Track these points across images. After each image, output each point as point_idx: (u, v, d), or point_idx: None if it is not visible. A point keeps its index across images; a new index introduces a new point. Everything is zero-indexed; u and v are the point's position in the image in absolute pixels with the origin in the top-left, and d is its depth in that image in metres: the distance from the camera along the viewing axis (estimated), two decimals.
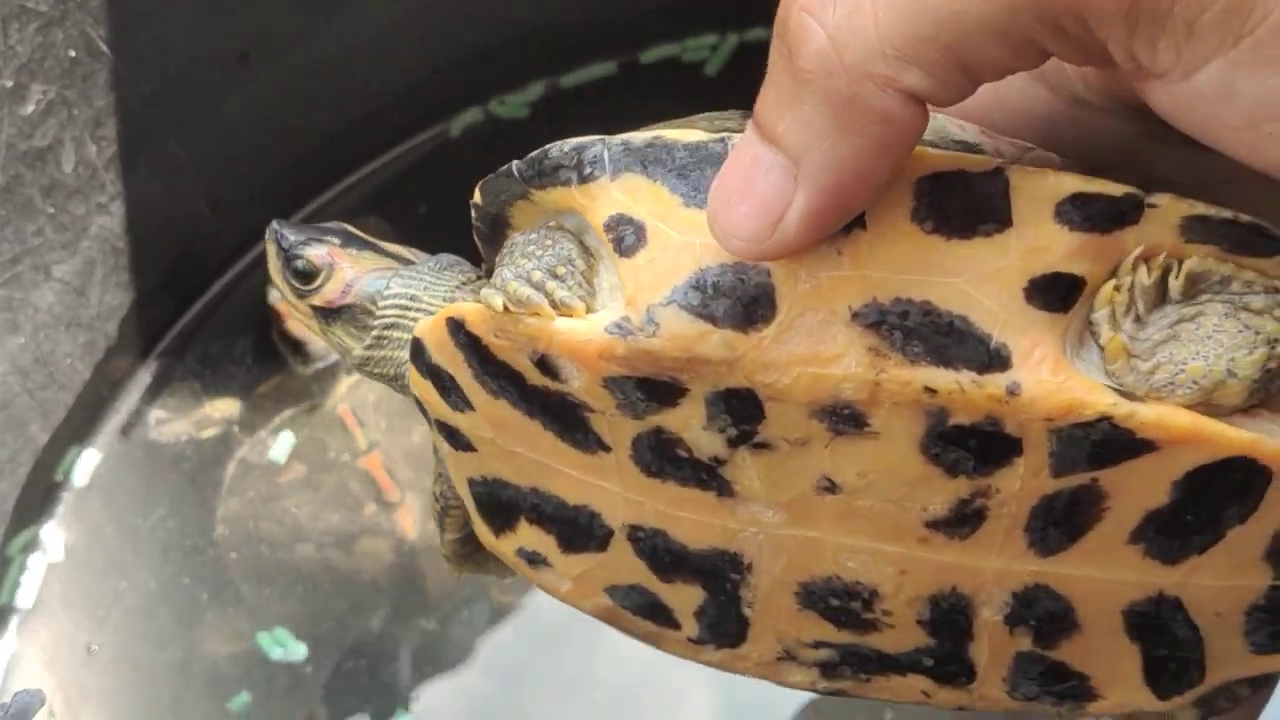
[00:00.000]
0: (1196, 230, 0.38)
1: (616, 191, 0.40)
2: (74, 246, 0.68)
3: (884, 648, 0.43)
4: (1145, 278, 0.38)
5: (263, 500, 0.71)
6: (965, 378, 0.38)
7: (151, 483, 0.72)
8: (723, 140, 0.39)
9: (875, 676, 0.44)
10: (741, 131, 0.39)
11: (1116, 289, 0.38)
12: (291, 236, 0.48)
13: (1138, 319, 0.38)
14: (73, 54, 0.64)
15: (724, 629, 0.44)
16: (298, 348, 0.74)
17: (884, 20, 0.35)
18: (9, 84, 0.62)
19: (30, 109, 0.63)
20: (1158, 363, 0.38)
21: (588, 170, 0.40)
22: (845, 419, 0.39)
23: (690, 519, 0.42)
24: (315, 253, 0.47)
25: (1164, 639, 0.40)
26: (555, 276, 0.41)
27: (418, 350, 0.43)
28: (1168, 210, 0.38)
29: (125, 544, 0.70)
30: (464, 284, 0.46)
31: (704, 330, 0.39)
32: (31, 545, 0.70)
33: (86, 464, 0.72)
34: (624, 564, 0.44)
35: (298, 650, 0.67)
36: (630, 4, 0.78)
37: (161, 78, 0.69)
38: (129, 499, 0.72)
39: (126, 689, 0.67)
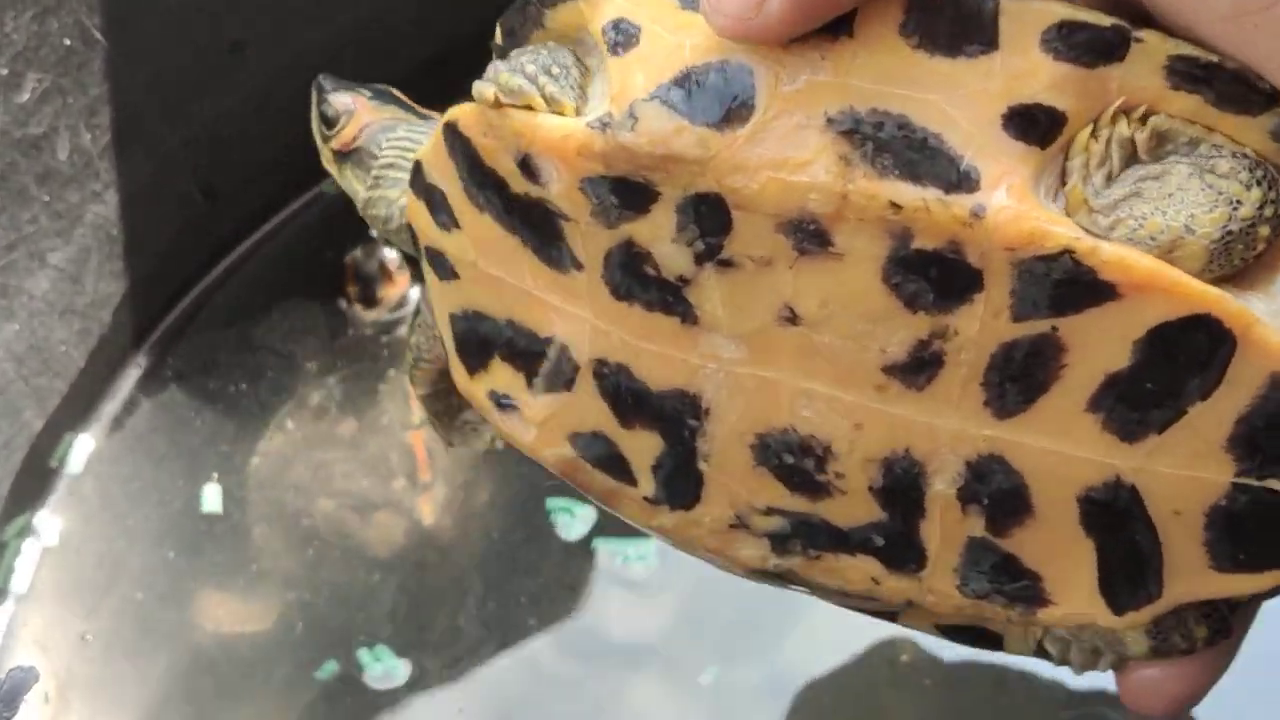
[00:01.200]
0: (1182, 74, 0.37)
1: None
2: (69, 234, 0.68)
3: (835, 519, 0.42)
4: (1125, 129, 0.38)
5: (299, 447, 0.72)
6: (931, 195, 0.37)
7: (146, 469, 0.72)
8: None
9: (825, 554, 0.43)
10: None
11: (1094, 138, 0.38)
12: (328, 85, 0.52)
13: (1109, 175, 0.38)
14: (68, 42, 0.64)
15: (679, 486, 0.44)
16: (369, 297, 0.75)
17: None
18: (4, 72, 0.62)
19: (25, 97, 0.64)
20: (1118, 217, 0.38)
21: None
22: (810, 235, 0.39)
23: (653, 351, 0.42)
24: (340, 99, 0.51)
25: (1120, 538, 0.40)
26: (549, 75, 0.41)
27: (417, 172, 0.46)
28: (1154, 49, 0.37)
29: (119, 531, 0.70)
30: None
31: (680, 126, 0.39)
32: (25, 531, 0.70)
33: (81, 450, 0.72)
34: (588, 406, 0.44)
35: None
36: None
37: (155, 66, 0.69)
38: (123, 486, 0.72)
39: (118, 675, 0.68)
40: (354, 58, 0.75)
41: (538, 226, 0.43)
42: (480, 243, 0.44)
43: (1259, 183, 0.37)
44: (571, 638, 0.66)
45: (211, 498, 0.71)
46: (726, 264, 0.40)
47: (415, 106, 0.52)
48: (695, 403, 0.42)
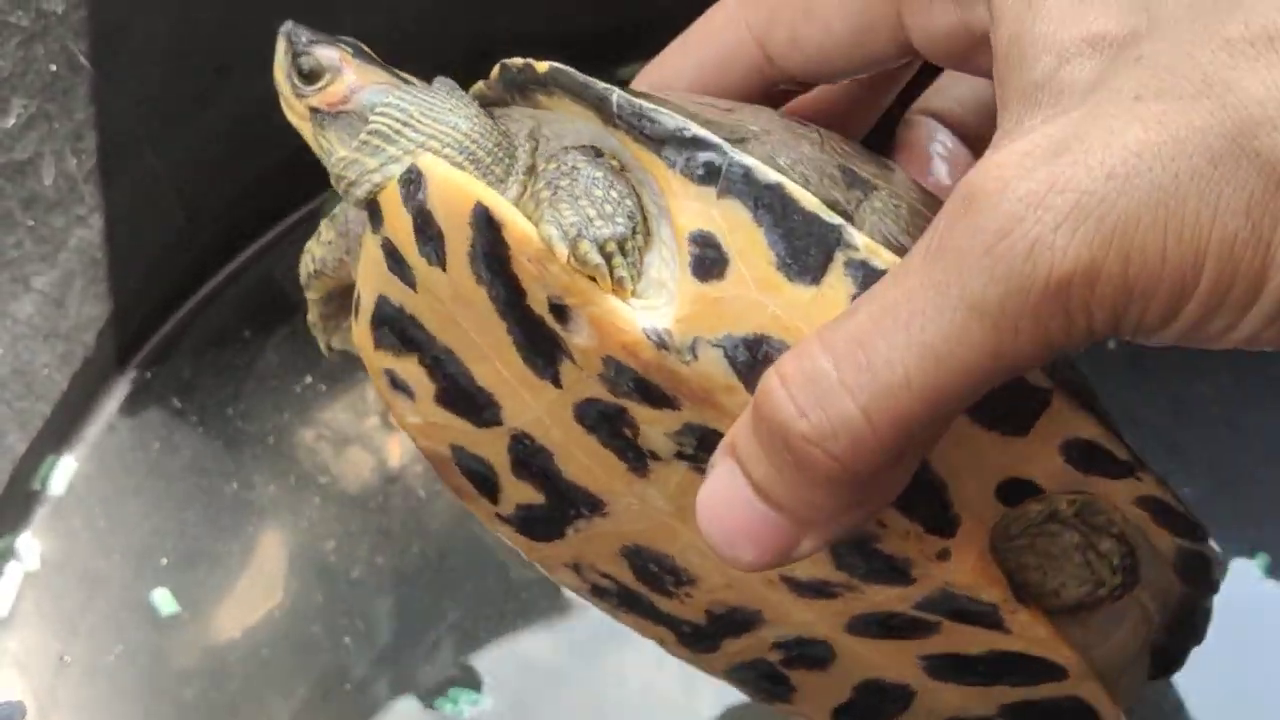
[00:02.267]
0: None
1: (716, 211, 0.39)
2: (53, 259, 0.68)
3: (662, 608, 0.46)
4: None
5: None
6: (914, 526, 0.42)
7: (128, 493, 0.72)
8: (838, 231, 0.38)
9: (634, 615, 0.47)
10: (823, 149, 0.42)
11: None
12: (304, 36, 0.49)
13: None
14: (53, 68, 0.64)
15: (539, 529, 0.46)
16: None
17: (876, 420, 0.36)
18: None
19: (11, 122, 0.63)
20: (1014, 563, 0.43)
21: (697, 171, 0.39)
22: None
23: (586, 465, 0.43)
24: (325, 53, 0.48)
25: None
26: (622, 251, 0.40)
27: (413, 182, 0.43)
28: None
29: (101, 554, 0.70)
30: (465, 118, 0.46)
31: (733, 386, 0.39)
32: (7, 554, 0.70)
33: (63, 474, 0.72)
34: (489, 444, 0.44)
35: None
36: (612, 18, 0.78)
37: (141, 91, 0.69)
38: (105, 509, 0.72)
39: (98, 699, 0.67)
40: None
41: (536, 340, 0.42)
42: (460, 298, 0.43)
43: (1123, 570, 0.44)
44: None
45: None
46: (700, 470, 0.40)
47: (394, 70, 0.50)
48: (598, 504, 0.44)
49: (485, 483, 0.46)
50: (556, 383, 0.42)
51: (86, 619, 0.69)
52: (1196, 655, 0.51)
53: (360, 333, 0.46)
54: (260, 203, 0.77)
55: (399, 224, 0.43)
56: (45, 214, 0.67)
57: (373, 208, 0.44)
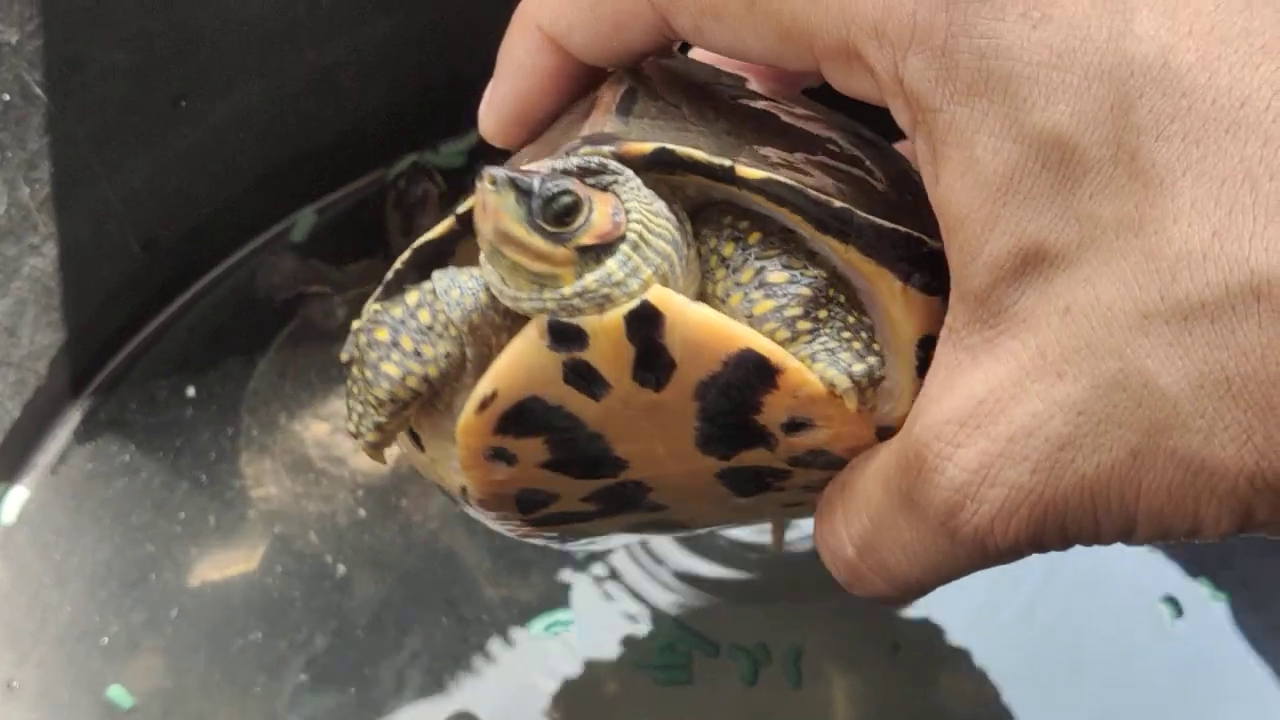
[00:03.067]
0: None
1: (937, 317, 0.42)
2: (5, 287, 0.68)
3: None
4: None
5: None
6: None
7: (80, 521, 0.72)
8: None
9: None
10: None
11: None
12: (539, 177, 0.41)
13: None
14: (7, 98, 0.65)
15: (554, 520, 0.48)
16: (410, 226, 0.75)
17: None
18: None
19: None
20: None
21: (929, 284, 0.42)
22: None
23: (680, 494, 0.47)
24: (575, 185, 0.41)
25: None
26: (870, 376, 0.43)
27: (647, 319, 0.41)
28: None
29: (52, 583, 0.70)
30: (662, 207, 0.43)
31: None
32: None
33: (14, 502, 0.72)
34: (577, 486, 0.46)
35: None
36: None
37: (96, 120, 0.69)
38: (57, 537, 0.72)
39: None
40: (296, 115, 0.76)
41: (733, 437, 0.44)
42: (660, 409, 0.43)
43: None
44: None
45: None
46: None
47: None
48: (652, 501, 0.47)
49: (532, 504, 0.46)
50: (726, 459, 0.44)
51: (37, 648, 0.69)
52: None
53: (475, 422, 0.43)
54: (215, 234, 0.77)
55: (612, 352, 0.41)
56: None
57: (568, 331, 0.41)
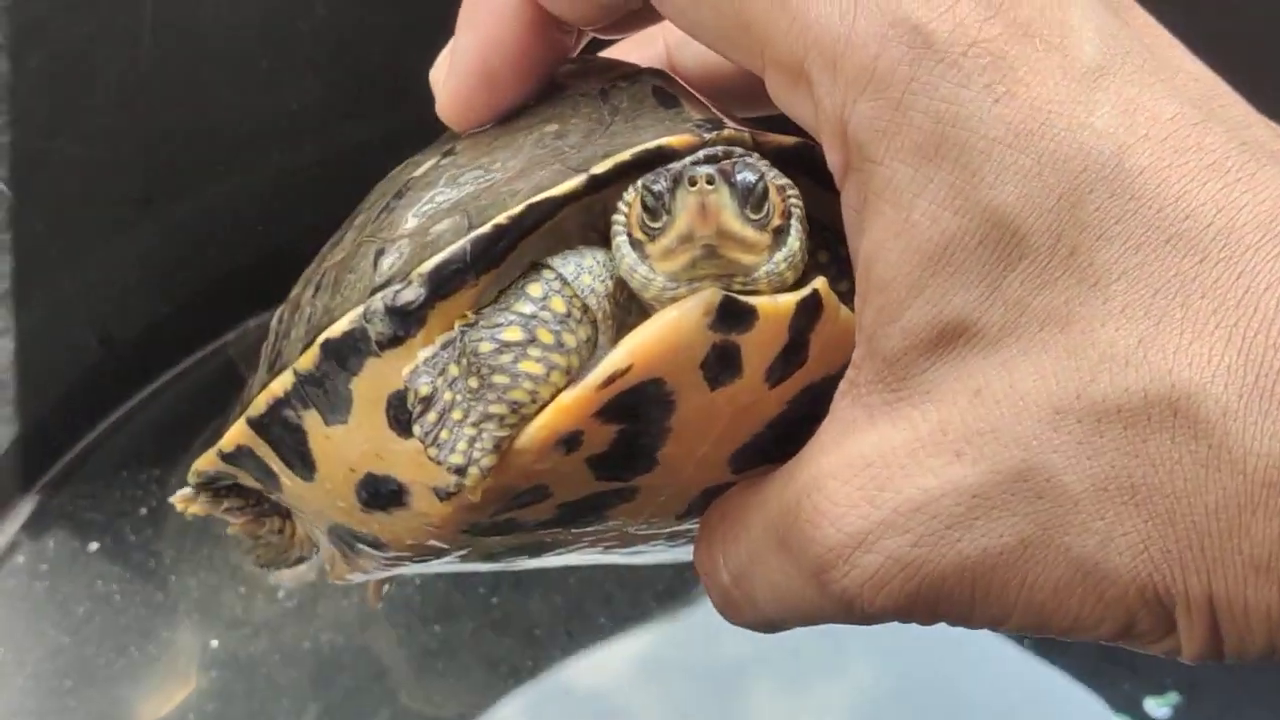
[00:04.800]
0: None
1: None
2: None
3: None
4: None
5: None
6: None
7: (26, 615, 0.71)
8: None
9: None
10: None
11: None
12: (739, 169, 0.40)
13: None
14: None
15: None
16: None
17: None
18: None
19: None
20: None
21: None
22: None
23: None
24: (759, 168, 0.40)
25: None
26: None
27: (811, 305, 0.40)
28: None
29: None
30: None
31: None
32: None
33: None
34: (585, 484, 0.44)
35: None
36: None
37: (59, 216, 0.69)
38: (2, 632, 0.71)
39: None
40: (262, 217, 0.76)
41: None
42: (761, 399, 0.42)
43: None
44: None
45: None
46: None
47: None
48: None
49: (520, 502, 0.44)
50: (737, 474, 0.43)
51: None
52: None
53: (587, 399, 0.41)
54: (175, 332, 0.77)
55: (769, 338, 0.41)
56: None
57: (741, 311, 0.40)
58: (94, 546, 0.73)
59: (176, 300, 0.76)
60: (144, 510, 0.74)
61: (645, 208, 0.40)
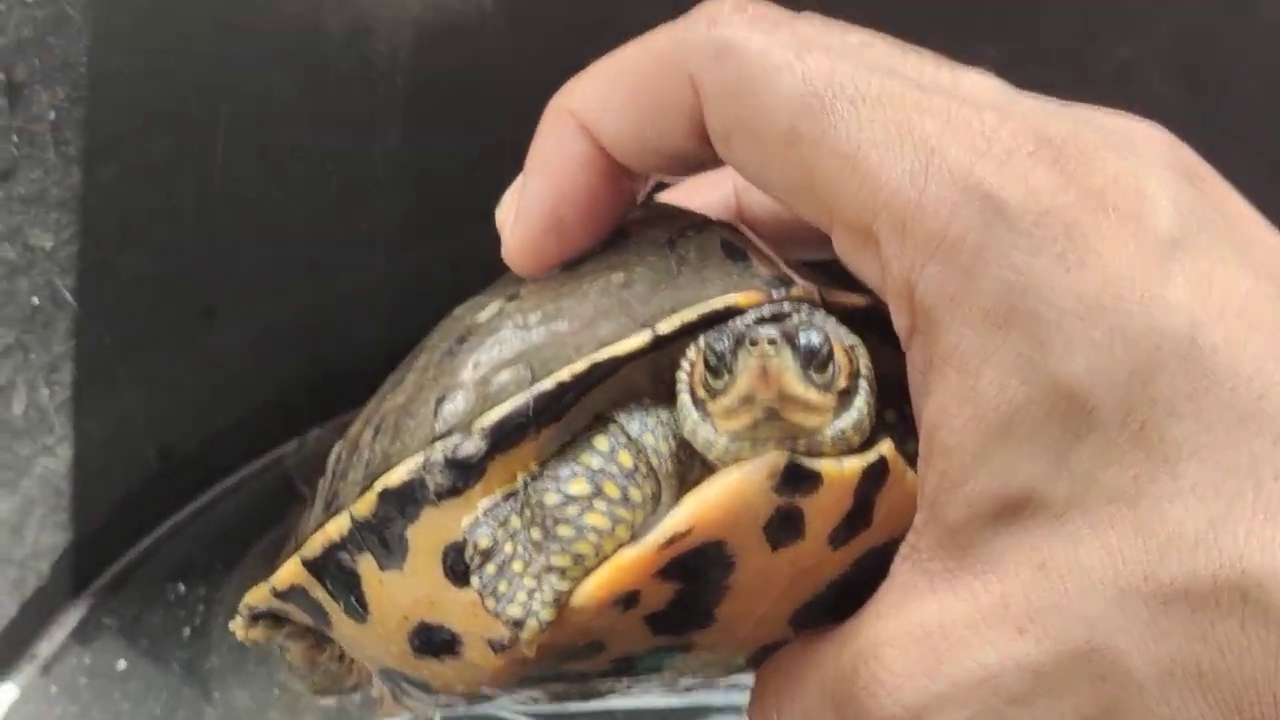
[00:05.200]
0: None
1: None
2: (14, 485, 0.68)
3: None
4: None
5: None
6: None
7: None
8: None
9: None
10: None
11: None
12: (803, 330, 0.39)
13: None
14: (35, 301, 0.65)
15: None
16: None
17: None
18: None
19: None
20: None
21: None
22: None
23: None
24: (824, 329, 0.40)
25: None
26: None
27: (877, 471, 0.40)
28: None
29: None
30: None
31: None
32: None
33: (3, 699, 0.71)
34: (639, 639, 0.43)
35: None
36: None
37: (124, 328, 0.70)
38: None
39: None
40: (326, 334, 0.77)
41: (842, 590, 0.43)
42: (821, 562, 0.42)
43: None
44: None
45: None
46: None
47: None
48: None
49: (573, 655, 0.43)
50: (796, 631, 0.43)
51: None
52: None
53: (647, 559, 0.40)
54: (233, 444, 0.77)
55: (834, 502, 0.40)
56: (11, 441, 0.67)
57: (806, 476, 0.40)
58: (140, 656, 0.73)
59: (236, 413, 0.76)
60: (193, 623, 0.74)
61: (708, 366, 0.40)
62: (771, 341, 0.38)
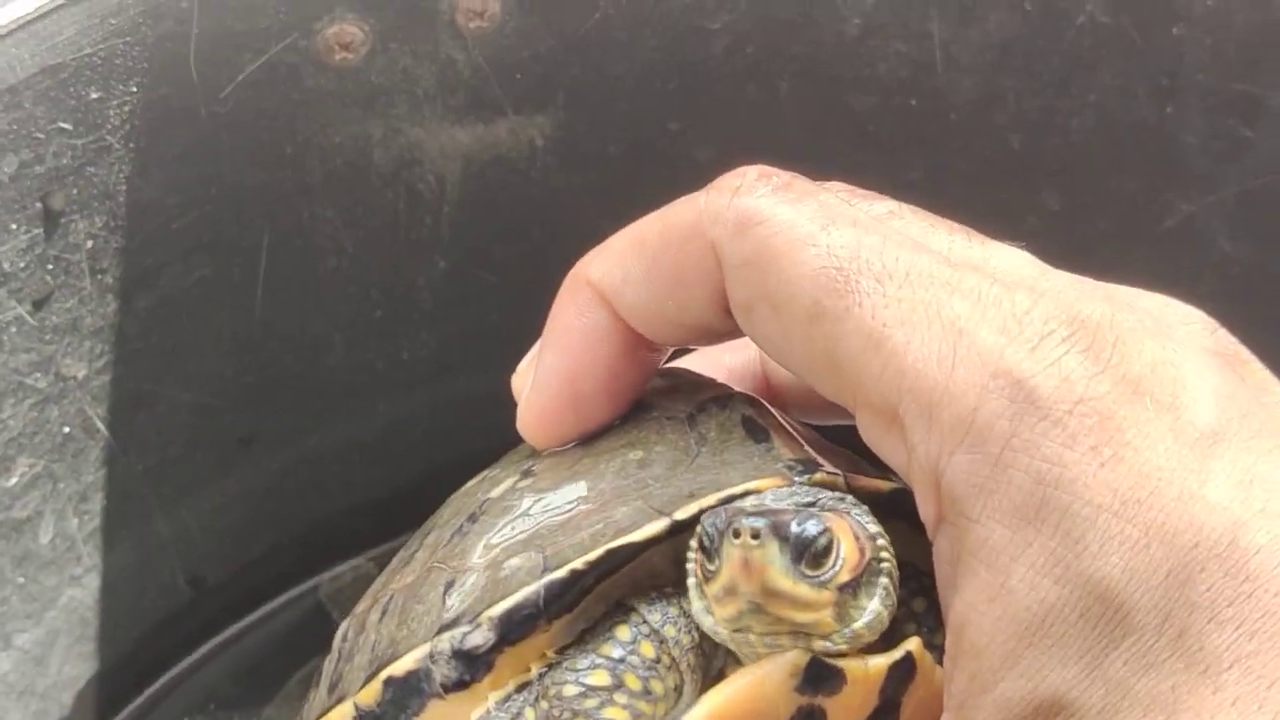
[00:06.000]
0: None
1: None
2: (39, 616, 0.67)
3: None
4: None
5: None
6: None
7: None
8: None
9: None
10: None
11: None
12: (796, 523, 0.37)
13: None
14: (66, 430, 0.64)
15: None
16: None
17: None
18: None
19: (13, 481, 0.63)
20: None
21: None
22: None
23: None
24: (827, 522, 0.38)
25: None
26: None
27: (906, 672, 0.39)
28: None
29: None
30: None
31: None
32: None
33: None
34: None
35: None
36: None
37: (157, 457, 0.69)
38: None
39: None
40: (365, 465, 0.75)
41: None
42: None
43: None
44: None
45: None
46: None
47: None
48: None
49: None
50: None
51: None
52: None
53: None
54: (266, 574, 0.76)
55: (859, 701, 0.39)
56: (37, 572, 0.66)
57: (829, 674, 0.38)
58: None
59: (270, 543, 0.75)
60: None
61: (702, 549, 0.38)
62: (755, 535, 0.36)
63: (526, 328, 0.73)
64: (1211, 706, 0.33)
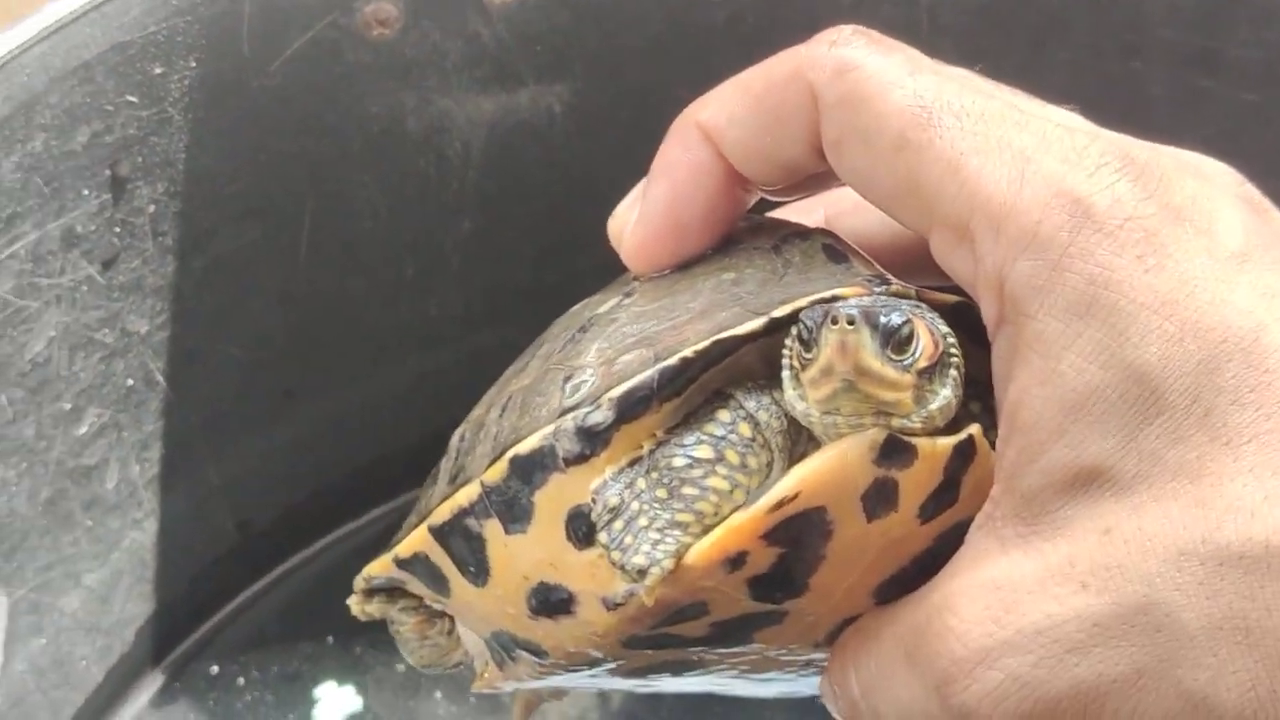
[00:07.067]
0: None
1: None
2: (105, 557, 0.71)
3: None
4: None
5: None
6: None
7: None
8: None
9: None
10: None
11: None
12: (884, 312, 0.42)
13: None
14: (130, 382, 0.69)
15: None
16: None
17: None
18: (67, 407, 0.67)
19: (83, 430, 0.68)
20: None
21: None
22: None
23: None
24: (906, 313, 0.43)
25: None
26: None
27: (966, 450, 0.44)
28: None
29: None
30: None
31: None
32: None
33: None
34: (738, 604, 0.46)
35: None
36: None
37: (210, 408, 0.73)
38: None
39: None
40: (397, 414, 0.80)
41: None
42: (910, 533, 0.45)
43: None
44: None
45: None
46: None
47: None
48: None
49: (681, 616, 0.46)
50: (881, 603, 0.45)
51: None
52: None
53: (757, 521, 0.44)
54: (307, 518, 0.80)
55: (926, 477, 0.44)
56: (104, 515, 0.70)
57: (903, 449, 0.43)
58: None
59: (311, 489, 0.80)
60: (264, 689, 0.77)
61: (800, 340, 0.44)
62: (850, 321, 0.41)
63: (547, 284, 0.78)
64: (1231, 472, 0.38)
